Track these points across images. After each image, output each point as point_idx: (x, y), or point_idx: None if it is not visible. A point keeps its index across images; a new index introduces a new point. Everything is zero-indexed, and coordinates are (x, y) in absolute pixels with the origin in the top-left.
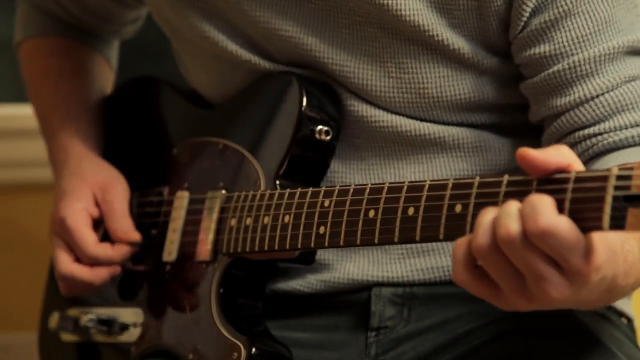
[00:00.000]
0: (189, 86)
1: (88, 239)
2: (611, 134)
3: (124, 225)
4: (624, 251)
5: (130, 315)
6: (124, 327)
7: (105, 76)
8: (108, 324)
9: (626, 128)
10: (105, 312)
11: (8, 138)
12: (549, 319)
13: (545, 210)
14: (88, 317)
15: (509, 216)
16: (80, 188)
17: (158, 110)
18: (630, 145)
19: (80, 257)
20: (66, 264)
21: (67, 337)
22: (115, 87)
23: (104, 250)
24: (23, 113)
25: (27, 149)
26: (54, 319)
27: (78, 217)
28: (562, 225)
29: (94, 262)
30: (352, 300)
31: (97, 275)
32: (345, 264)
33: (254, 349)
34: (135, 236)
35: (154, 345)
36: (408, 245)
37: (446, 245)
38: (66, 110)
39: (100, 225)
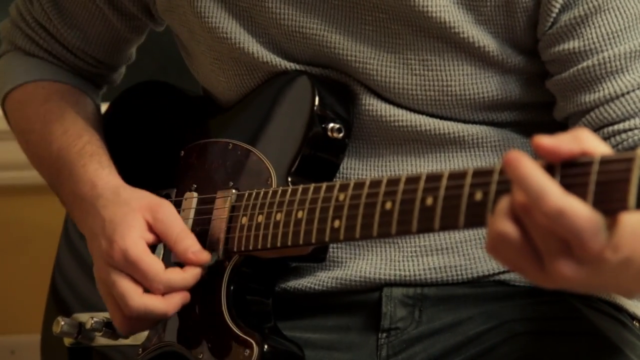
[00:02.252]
0: (196, 90)
1: (158, 266)
2: None
3: (192, 244)
4: None
5: None
6: None
7: (100, 122)
8: (114, 327)
9: None
10: None
11: (13, 139)
12: (561, 320)
13: (553, 190)
14: (94, 320)
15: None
16: (130, 216)
17: (165, 113)
18: None
19: (150, 287)
20: (139, 297)
21: (72, 342)
22: (123, 91)
23: (178, 274)
24: None
25: None
26: (58, 324)
27: (139, 247)
28: (574, 204)
29: (168, 289)
30: (363, 301)
31: (172, 304)
32: (357, 262)
33: (266, 346)
34: (207, 256)
35: (162, 346)
36: (421, 244)
37: (459, 244)
38: (81, 147)
39: (155, 250)
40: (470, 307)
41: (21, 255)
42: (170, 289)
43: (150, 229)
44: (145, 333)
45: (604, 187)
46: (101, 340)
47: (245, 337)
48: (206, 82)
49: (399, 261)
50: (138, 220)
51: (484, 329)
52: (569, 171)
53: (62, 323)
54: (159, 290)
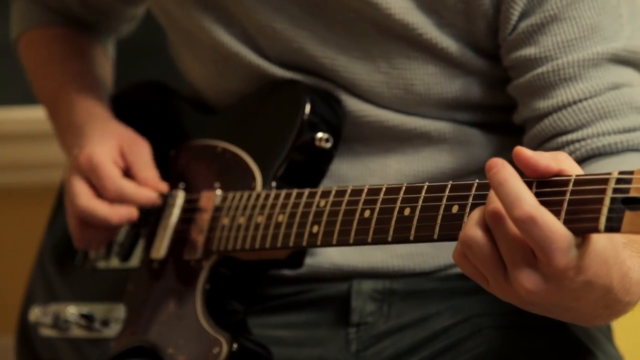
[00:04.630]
0: (190, 91)
1: (115, 172)
2: (594, 139)
3: (154, 175)
4: (619, 263)
5: (112, 310)
6: (105, 323)
7: (106, 67)
8: (89, 319)
9: (609, 134)
10: (87, 307)
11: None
12: (526, 315)
13: (529, 198)
14: (69, 311)
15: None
16: (107, 136)
17: (159, 113)
18: (612, 152)
19: (103, 192)
20: (87, 197)
21: (46, 331)
22: (119, 90)
23: (132, 185)
24: (6, 118)
25: (10, 153)
26: (34, 313)
27: (105, 156)
28: (547, 215)
29: (118, 196)
30: (333, 296)
31: (116, 212)
32: (328, 249)
33: (235, 345)
34: (164, 187)
35: (134, 340)
36: None
37: None
38: (80, 84)
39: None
40: (437, 302)
41: None
42: (120, 195)
43: (122, 156)
44: (119, 327)
45: (577, 207)
46: (76, 331)
47: (215, 335)
48: (185, 69)
49: (368, 248)
50: (113, 143)
51: (451, 323)
52: (545, 189)
53: (38, 311)
54: (110, 192)
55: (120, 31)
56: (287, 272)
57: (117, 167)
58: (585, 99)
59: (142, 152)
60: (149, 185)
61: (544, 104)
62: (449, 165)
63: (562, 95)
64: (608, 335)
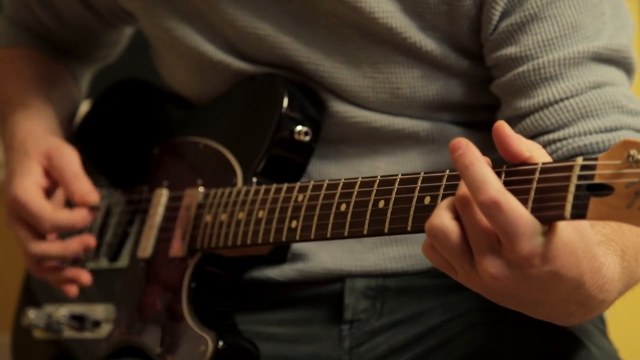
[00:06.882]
0: (171, 88)
1: (44, 209)
2: (575, 139)
3: (80, 187)
4: (589, 257)
5: (103, 311)
6: (96, 324)
7: (72, 92)
8: (80, 321)
9: (590, 134)
10: (78, 308)
11: None
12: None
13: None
14: (61, 313)
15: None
16: (25, 164)
17: (142, 111)
18: (594, 152)
19: (42, 230)
20: (34, 243)
21: (39, 334)
22: (102, 90)
23: (64, 215)
24: None
25: None
26: (27, 316)
27: (29, 192)
28: (512, 200)
29: (57, 230)
30: (326, 293)
31: (67, 247)
32: (320, 253)
33: (221, 343)
34: (93, 198)
35: (123, 340)
36: None
37: (417, 235)
38: (22, 99)
39: (57, 195)
40: (430, 299)
41: None
42: (57, 228)
43: (48, 174)
44: (109, 327)
45: (544, 195)
46: (68, 332)
47: (201, 333)
48: (170, 77)
49: (360, 252)
50: (33, 167)
51: (444, 319)
52: (512, 177)
53: (31, 314)
54: (46, 229)
55: (101, 57)
56: (279, 277)
57: (44, 191)
58: (567, 98)
59: (67, 164)
60: (76, 201)
61: (525, 103)
62: (437, 165)
63: (543, 94)
64: (602, 328)
